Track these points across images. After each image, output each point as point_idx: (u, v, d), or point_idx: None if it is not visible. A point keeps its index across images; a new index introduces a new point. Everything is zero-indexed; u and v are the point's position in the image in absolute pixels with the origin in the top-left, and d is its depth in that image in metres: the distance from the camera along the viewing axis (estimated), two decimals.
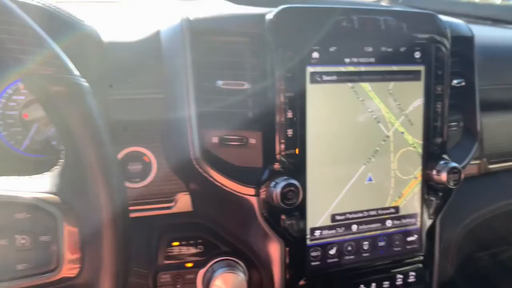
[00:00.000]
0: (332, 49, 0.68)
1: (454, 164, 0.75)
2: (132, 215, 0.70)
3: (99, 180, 0.42)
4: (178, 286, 0.68)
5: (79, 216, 0.42)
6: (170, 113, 0.68)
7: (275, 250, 0.69)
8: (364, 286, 0.75)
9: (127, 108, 0.69)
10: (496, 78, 0.96)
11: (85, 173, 0.42)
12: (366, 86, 0.71)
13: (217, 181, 0.66)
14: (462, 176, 0.76)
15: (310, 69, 0.67)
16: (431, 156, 0.76)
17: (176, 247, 0.69)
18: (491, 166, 0.98)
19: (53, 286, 0.41)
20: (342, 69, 0.69)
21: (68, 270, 0.41)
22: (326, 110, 0.69)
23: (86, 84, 0.45)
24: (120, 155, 0.70)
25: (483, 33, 0.98)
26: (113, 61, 0.71)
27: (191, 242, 0.70)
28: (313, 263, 0.71)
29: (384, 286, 0.76)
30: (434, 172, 0.76)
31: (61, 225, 0.41)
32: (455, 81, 0.81)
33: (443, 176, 0.75)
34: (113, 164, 0.45)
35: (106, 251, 0.41)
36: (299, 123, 0.67)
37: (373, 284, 0.75)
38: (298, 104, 0.67)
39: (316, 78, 0.68)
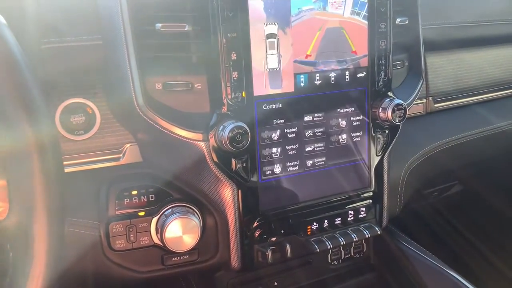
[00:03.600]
0: None
1: (398, 101, 0.77)
2: (79, 168, 0.70)
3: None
4: (131, 235, 0.68)
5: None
6: (110, 60, 0.66)
7: (227, 193, 0.70)
8: (317, 223, 0.77)
9: (63, 57, 0.66)
10: (439, 17, 0.98)
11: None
12: None
13: (163, 128, 0.65)
14: (407, 112, 0.78)
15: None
16: (376, 94, 0.78)
17: (127, 197, 0.69)
18: (436, 105, 1.02)
19: None
20: None
21: None
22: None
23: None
24: (60, 108, 0.68)
25: None
26: (46, 8, 0.67)
27: (142, 191, 0.69)
28: (265, 204, 0.73)
29: (336, 222, 0.79)
30: (380, 110, 0.77)
31: None
32: (398, 19, 0.81)
33: (389, 113, 0.76)
34: (41, 109, 0.43)
35: (37, 193, 0.40)
36: (244, 65, 0.66)
37: (326, 221, 0.78)
38: (242, 45, 0.66)
39: None
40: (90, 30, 0.67)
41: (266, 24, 0.67)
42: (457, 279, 0.80)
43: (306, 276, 0.88)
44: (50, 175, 0.42)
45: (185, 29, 0.65)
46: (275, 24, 0.68)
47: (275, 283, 0.86)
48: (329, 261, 0.90)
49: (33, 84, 0.45)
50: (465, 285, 0.79)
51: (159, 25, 0.64)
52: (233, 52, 0.65)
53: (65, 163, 0.68)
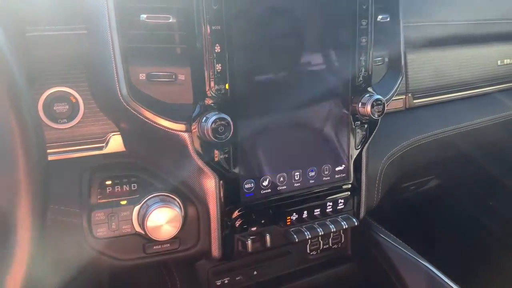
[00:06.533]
0: None
1: (377, 96, 0.79)
2: (62, 156, 0.70)
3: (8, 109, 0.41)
4: (113, 223, 0.68)
5: None
6: (94, 50, 0.66)
7: (209, 184, 0.71)
8: (296, 214, 0.79)
9: (48, 45, 0.66)
10: (421, 15, 1.00)
11: None
12: None
13: (147, 118, 0.66)
14: (386, 108, 0.80)
15: None
16: (356, 90, 0.80)
17: (109, 186, 0.69)
18: (416, 101, 1.04)
19: None
20: None
21: None
22: (255, 43, 0.70)
23: None
24: (44, 96, 0.68)
25: None
26: None
27: (125, 180, 0.70)
28: (247, 195, 0.74)
29: (315, 213, 0.81)
30: (360, 104, 0.79)
31: None
32: (380, 16, 0.83)
33: (368, 109, 0.78)
34: (24, 94, 0.43)
35: (22, 178, 0.41)
36: (228, 58, 0.67)
37: (305, 212, 0.80)
38: (226, 37, 0.67)
39: None
40: (75, 19, 0.67)
41: None
42: (431, 269, 0.83)
43: (285, 265, 0.90)
44: (34, 160, 0.42)
45: (170, 20, 0.66)
46: None
47: (255, 272, 0.88)
48: (308, 251, 0.92)
49: (17, 71, 0.45)
50: (438, 275, 0.82)
51: (144, 16, 0.65)
52: (217, 45, 0.66)
53: (48, 151, 0.69)
